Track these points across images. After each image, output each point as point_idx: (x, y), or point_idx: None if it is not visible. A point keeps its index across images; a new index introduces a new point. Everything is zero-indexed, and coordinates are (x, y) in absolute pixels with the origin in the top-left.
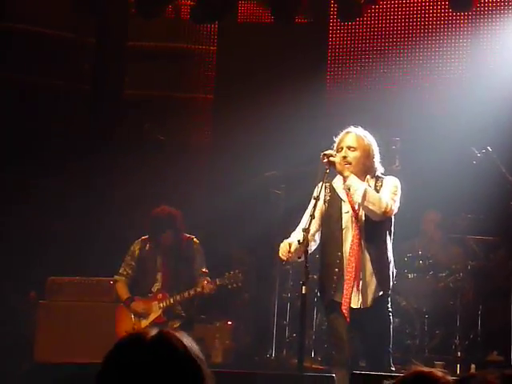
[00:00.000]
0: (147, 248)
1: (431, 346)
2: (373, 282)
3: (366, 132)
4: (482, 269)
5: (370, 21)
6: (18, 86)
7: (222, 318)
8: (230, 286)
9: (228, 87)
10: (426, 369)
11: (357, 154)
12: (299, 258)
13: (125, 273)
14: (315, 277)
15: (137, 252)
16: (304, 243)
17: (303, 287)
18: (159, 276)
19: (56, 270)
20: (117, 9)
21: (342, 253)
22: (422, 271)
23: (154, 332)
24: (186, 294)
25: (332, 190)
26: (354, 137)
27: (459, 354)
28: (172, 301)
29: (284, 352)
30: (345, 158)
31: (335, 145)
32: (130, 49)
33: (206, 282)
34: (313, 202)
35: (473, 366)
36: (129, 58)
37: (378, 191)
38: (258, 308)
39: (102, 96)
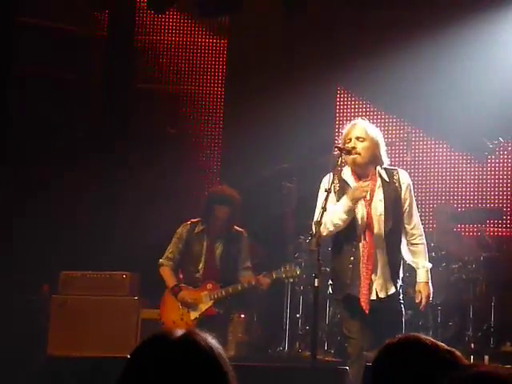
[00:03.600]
0: (196, 230)
1: (444, 338)
2: (386, 275)
3: (372, 124)
4: (495, 260)
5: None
6: (30, 80)
7: (235, 311)
8: (286, 280)
9: (239, 80)
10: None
11: (366, 144)
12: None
13: (171, 256)
14: (328, 269)
15: (184, 234)
16: (316, 236)
17: (316, 280)
18: (202, 261)
19: (69, 263)
20: (127, 2)
21: (356, 244)
22: (435, 263)
23: (180, 332)
24: (239, 287)
25: (341, 181)
26: (362, 127)
27: (472, 345)
28: (224, 293)
29: (297, 345)
30: (354, 148)
31: (342, 136)
32: (141, 42)
33: (261, 275)
34: (324, 194)
35: (486, 357)
36: (140, 51)
37: (396, 187)
38: (270, 301)
39: (113, 89)
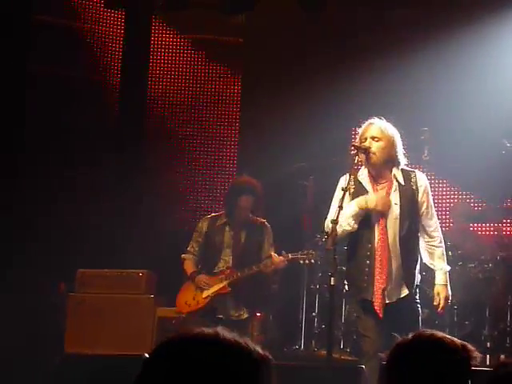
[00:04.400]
0: (217, 224)
1: (461, 337)
2: (399, 279)
3: (389, 123)
4: None
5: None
6: (45, 79)
7: (251, 310)
8: (302, 261)
9: (256, 79)
10: None
11: (381, 143)
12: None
13: (192, 250)
14: (344, 268)
15: (204, 228)
16: (332, 234)
17: (332, 278)
18: (228, 252)
19: (86, 261)
20: (143, 1)
21: (371, 247)
22: (452, 262)
23: (206, 332)
24: (255, 268)
25: (357, 182)
26: (377, 127)
27: (489, 344)
28: (240, 274)
29: (313, 343)
30: (369, 148)
31: (358, 136)
32: (156, 41)
33: (274, 255)
34: (341, 193)
35: (502, 356)
36: (155, 50)
37: (413, 189)
38: (286, 299)
39: (129, 89)
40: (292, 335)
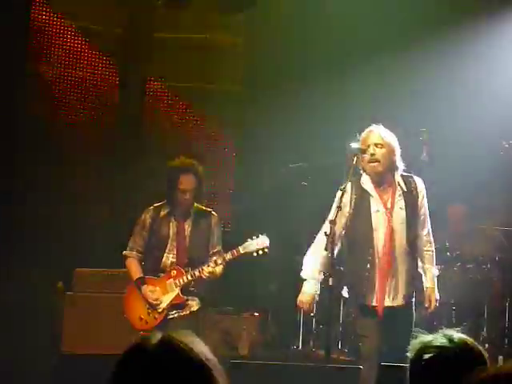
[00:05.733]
0: (161, 214)
1: None
2: (403, 282)
3: (387, 130)
4: (510, 261)
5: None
6: (45, 78)
7: (249, 310)
8: (255, 254)
9: (256, 79)
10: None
11: (384, 150)
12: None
13: (135, 245)
14: (342, 268)
15: (148, 220)
16: (330, 235)
17: (330, 279)
18: (173, 246)
19: (83, 261)
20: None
21: (373, 252)
22: (450, 263)
23: (156, 339)
24: (206, 270)
25: (360, 189)
26: (378, 134)
27: (487, 346)
28: (190, 277)
29: (311, 344)
30: (373, 155)
31: (359, 143)
32: (157, 40)
33: (216, 259)
34: (339, 193)
35: (500, 357)
36: (156, 49)
37: (413, 194)
38: (284, 300)
39: (129, 86)
40: (290, 335)
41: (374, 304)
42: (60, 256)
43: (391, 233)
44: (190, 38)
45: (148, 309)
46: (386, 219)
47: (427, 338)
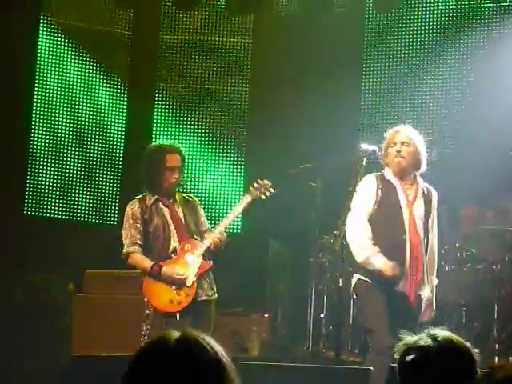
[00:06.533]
0: (148, 203)
1: (469, 339)
2: (430, 272)
3: (415, 130)
4: None
5: (407, 11)
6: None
7: (259, 311)
8: (263, 196)
9: (263, 79)
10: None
11: (410, 148)
12: None
13: (134, 240)
14: (351, 269)
15: (138, 212)
16: (340, 236)
17: (340, 280)
18: (171, 230)
19: (95, 262)
20: (152, 1)
21: (403, 240)
22: (460, 263)
23: (175, 336)
24: (219, 232)
25: (385, 181)
26: (406, 133)
27: (497, 346)
28: (208, 243)
29: (321, 345)
30: (399, 152)
31: (386, 141)
32: (165, 41)
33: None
34: (351, 194)
35: (510, 358)
36: (163, 50)
37: (429, 199)
38: (294, 301)
39: (137, 88)
40: (300, 336)
41: (404, 291)
42: (71, 257)
43: (414, 224)
44: (198, 40)
45: (175, 290)
46: (407, 210)
47: (412, 338)
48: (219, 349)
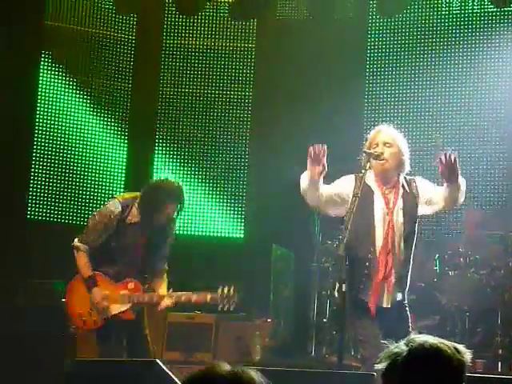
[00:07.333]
0: (130, 221)
1: (472, 344)
2: (397, 281)
3: (396, 130)
4: None
5: (411, 16)
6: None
7: (262, 316)
8: (220, 306)
9: (266, 83)
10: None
11: (393, 150)
12: None
13: (90, 241)
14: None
15: (114, 222)
16: (343, 241)
17: (343, 285)
18: (131, 255)
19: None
20: (155, 6)
21: (373, 249)
22: (463, 268)
23: (226, 370)
24: (167, 299)
25: (365, 185)
26: (388, 133)
27: (500, 351)
28: (146, 299)
29: (324, 350)
30: (381, 153)
31: (368, 142)
32: (168, 46)
33: (170, 296)
34: (352, 198)
35: None
36: (166, 55)
37: (414, 194)
38: (297, 305)
39: (140, 93)
40: (303, 341)
41: (367, 300)
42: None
43: (391, 232)
44: (201, 44)
45: (91, 309)
46: (387, 219)
47: (391, 346)
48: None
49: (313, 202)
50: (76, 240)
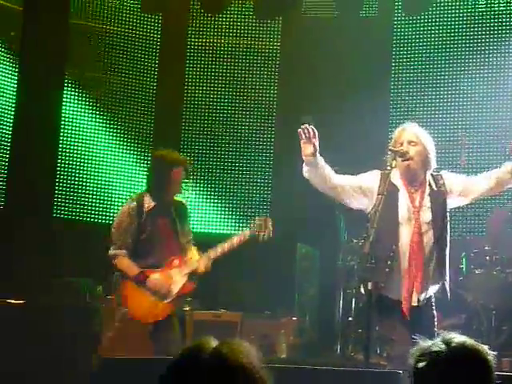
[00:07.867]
0: (146, 209)
1: (498, 342)
2: (429, 280)
3: (421, 128)
4: None
5: (437, 14)
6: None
7: (287, 314)
8: (262, 235)
9: (292, 83)
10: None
11: (418, 148)
12: None
13: (124, 243)
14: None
15: (134, 215)
16: (369, 239)
17: (369, 283)
18: (163, 241)
19: None
20: (180, 5)
21: (399, 248)
22: (489, 267)
23: (211, 346)
24: (217, 251)
25: (390, 184)
26: (413, 132)
27: None
28: (195, 266)
29: (349, 348)
30: (407, 152)
31: (392, 141)
32: (192, 45)
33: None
34: (378, 196)
35: None
36: (190, 54)
37: (442, 191)
38: (322, 304)
39: (165, 92)
40: (328, 339)
41: (398, 299)
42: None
43: (418, 231)
44: (226, 43)
45: (154, 301)
46: (412, 217)
47: (426, 344)
48: (256, 361)
49: (320, 185)
50: (110, 250)
